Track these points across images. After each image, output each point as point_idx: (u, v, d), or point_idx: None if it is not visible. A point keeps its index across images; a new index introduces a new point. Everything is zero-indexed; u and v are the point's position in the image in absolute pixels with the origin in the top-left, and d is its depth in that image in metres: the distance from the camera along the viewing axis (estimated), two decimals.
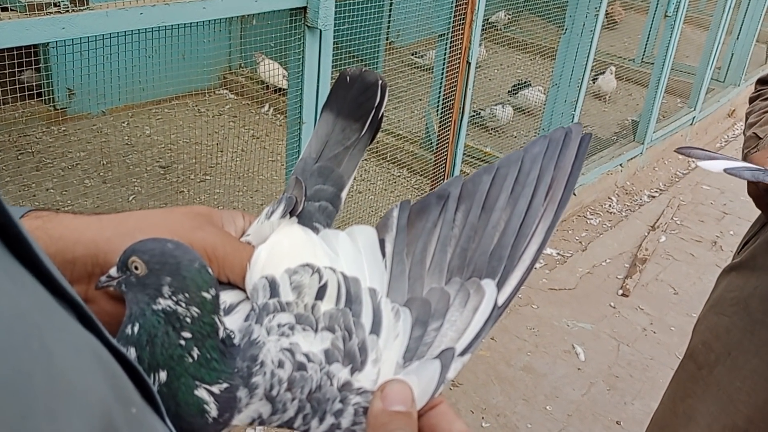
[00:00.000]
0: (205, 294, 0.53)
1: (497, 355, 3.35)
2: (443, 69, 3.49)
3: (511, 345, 3.43)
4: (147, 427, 0.40)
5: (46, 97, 3.89)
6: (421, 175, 4.20)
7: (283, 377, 0.53)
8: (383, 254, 0.62)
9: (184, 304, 0.52)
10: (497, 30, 5.23)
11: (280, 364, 0.53)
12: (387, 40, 4.73)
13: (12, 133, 3.83)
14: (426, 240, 0.61)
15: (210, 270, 0.54)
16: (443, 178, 3.67)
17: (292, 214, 0.65)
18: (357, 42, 3.01)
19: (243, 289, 0.61)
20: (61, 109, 4.00)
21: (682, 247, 4.55)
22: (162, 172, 4.02)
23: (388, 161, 4.21)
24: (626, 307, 3.85)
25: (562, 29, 4.13)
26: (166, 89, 3.21)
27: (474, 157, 4.47)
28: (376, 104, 0.69)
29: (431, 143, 3.99)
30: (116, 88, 3.15)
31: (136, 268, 0.52)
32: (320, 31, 2.34)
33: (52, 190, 3.58)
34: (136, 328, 0.52)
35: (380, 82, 0.69)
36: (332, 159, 0.69)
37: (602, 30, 4.37)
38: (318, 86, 2.48)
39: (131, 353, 0.51)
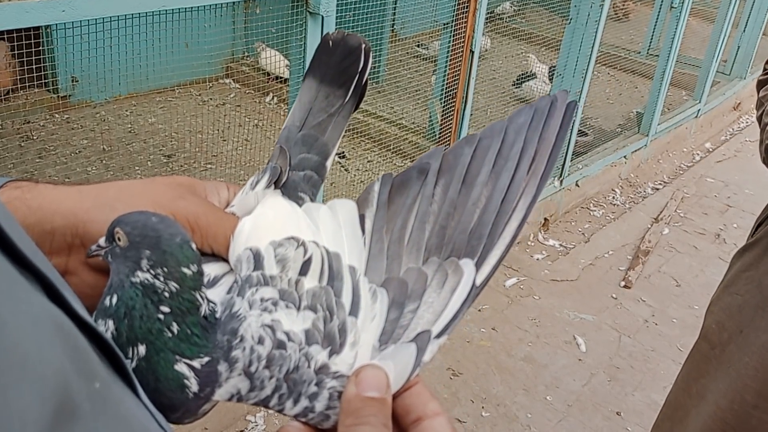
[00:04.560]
0: (185, 269, 0.52)
1: (498, 346, 3.35)
2: (447, 58, 3.48)
3: (512, 335, 3.43)
4: (112, 402, 0.39)
5: (51, 83, 3.89)
6: None
7: (262, 354, 0.52)
8: (363, 231, 0.60)
9: (162, 278, 0.51)
10: (503, 21, 5.21)
11: (260, 341, 0.52)
12: (392, 30, 4.71)
13: (15, 120, 3.83)
14: (405, 217, 0.60)
15: (193, 245, 0.53)
16: None
17: (276, 184, 0.64)
18: (360, 31, 3.00)
19: (227, 261, 0.60)
20: (65, 96, 4.00)
21: (685, 240, 4.54)
22: (165, 161, 4.02)
23: (391, 152, 4.19)
24: (628, 299, 3.85)
25: (567, 20, 4.11)
26: (169, 78, 3.21)
27: None
28: (359, 69, 0.67)
29: (434, 134, 3.98)
30: (120, 76, 3.15)
31: (119, 239, 0.52)
32: (322, 17, 2.33)
33: (54, 178, 3.58)
34: (114, 300, 0.51)
35: (364, 46, 0.67)
36: (316, 127, 0.67)
37: (610, 22, 4.34)
38: None
39: (110, 326, 0.51)
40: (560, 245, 4.28)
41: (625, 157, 5.13)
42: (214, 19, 2.51)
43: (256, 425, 2.77)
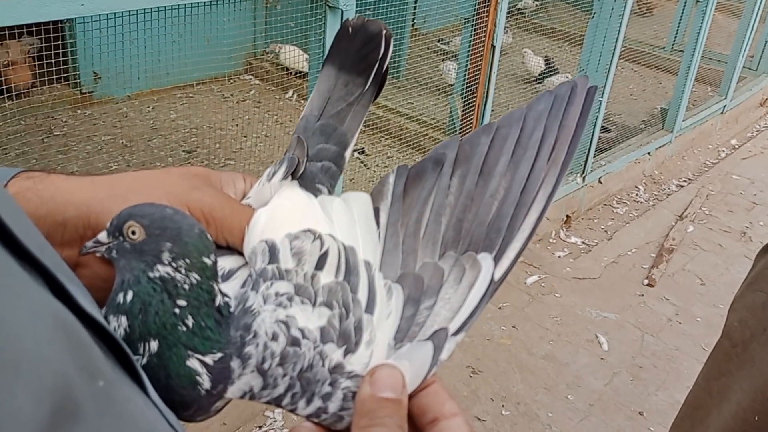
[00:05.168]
0: (205, 259, 0.51)
1: (518, 344, 3.31)
2: (468, 53, 3.45)
3: (533, 333, 3.40)
4: (117, 400, 0.38)
5: (72, 78, 3.91)
6: None
7: (276, 351, 0.50)
8: (377, 224, 0.58)
9: (183, 270, 0.50)
10: (525, 16, 5.16)
11: (274, 337, 0.51)
12: (412, 25, 4.69)
13: (38, 116, 3.86)
14: (420, 210, 0.58)
15: (209, 236, 0.52)
16: None
17: (294, 175, 0.62)
18: None
19: (242, 254, 0.58)
20: (87, 92, 4.02)
21: (710, 238, 4.47)
22: (185, 157, 4.03)
23: (411, 147, 4.17)
24: (651, 297, 3.79)
25: (590, 15, 4.06)
26: (190, 74, 3.21)
27: None
28: (380, 56, 0.64)
29: (455, 129, 3.96)
30: (141, 72, 3.16)
31: (133, 233, 0.50)
32: (341, 11, 2.32)
33: (77, 173, 3.60)
34: (129, 296, 0.49)
35: (384, 32, 0.64)
36: (335, 116, 0.65)
37: (634, 16, 4.29)
38: None
39: (123, 322, 0.49)
40: (582, 243, 4.24)
41: (649, 153, 5.07)
42: (235, 13, 2.50)
43: (275, 421, 2.77)
